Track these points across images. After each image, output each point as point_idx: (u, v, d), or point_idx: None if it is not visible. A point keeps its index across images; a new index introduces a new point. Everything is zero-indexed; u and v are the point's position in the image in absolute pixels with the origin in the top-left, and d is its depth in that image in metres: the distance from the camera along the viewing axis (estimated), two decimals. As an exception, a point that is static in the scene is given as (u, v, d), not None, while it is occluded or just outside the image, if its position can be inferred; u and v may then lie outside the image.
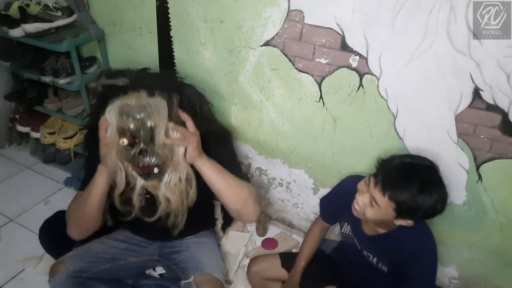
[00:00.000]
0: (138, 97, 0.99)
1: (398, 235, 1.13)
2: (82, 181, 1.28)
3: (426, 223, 1.16)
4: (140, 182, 1.09)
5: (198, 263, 1.30)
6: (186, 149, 1.07)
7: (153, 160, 1.00)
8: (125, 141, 0.94)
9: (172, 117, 1.05)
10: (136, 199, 1.13)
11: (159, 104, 0.99)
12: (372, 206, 1.04)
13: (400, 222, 1.06)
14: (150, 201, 1.16)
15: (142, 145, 0.97)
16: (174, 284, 1.32)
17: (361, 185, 1.10)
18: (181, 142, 1.05)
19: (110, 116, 0.98)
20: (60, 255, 1.28)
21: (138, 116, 0.95)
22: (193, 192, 1.15)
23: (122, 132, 0.96)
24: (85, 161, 1.39)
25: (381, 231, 1.17)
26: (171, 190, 1.10)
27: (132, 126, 0.94)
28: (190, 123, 1.08)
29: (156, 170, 1.02)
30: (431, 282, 1.12)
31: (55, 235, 1.41)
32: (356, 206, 1.10)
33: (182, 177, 1.09)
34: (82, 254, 1.30)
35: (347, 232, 1.31)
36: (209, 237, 1.50)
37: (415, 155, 1.16)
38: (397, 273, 1.15)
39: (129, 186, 1.12)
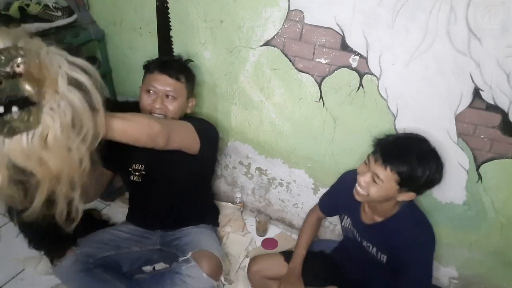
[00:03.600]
0: None
1: (395, 223, 1.16)
2: None
3: (423, 213, 1.19)
4: None
5: (197, 244, 1.34)
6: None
7: (9, 93, 0.60)
8: None
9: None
10: None
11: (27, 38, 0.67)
12: (375, 183, 1.07)
13: (403, 196, 1.09)
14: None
15: None
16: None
17: (361, 168, 1.14)
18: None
19: None
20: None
21: None
22: (84, 147, 0.66)
23: None
24: None
25: (379, 219, 1.20)
26: (44, 145, 0.63)
27: None
28: None
29: (15, 109, 0.60)
30: (427, 271, 1.13)
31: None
32: (358, 189, 1.13)
33: (64, 120, 0.63)
34: (88, 239, 1.36)
35: (347, 226, 1.33)
36: (209, 229, 1.52)
37: (408, 132, 1.20)
38: (395, 263, 1.16)
39: None
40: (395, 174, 1.03)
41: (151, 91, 1.28)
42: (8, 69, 0.62)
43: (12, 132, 0.61)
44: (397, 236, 1.14)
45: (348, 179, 1.21)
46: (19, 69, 0.62)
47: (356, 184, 1.14)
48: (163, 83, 1.28)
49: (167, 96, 1.29)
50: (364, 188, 1.10)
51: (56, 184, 0.67)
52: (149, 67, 1.33)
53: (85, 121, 0.67)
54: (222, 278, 1.33)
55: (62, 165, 0.66)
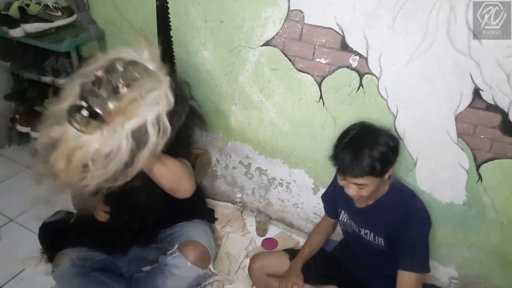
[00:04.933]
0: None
1: (388, 199, 1.19)
2: None
3: (408, 187, 1.24)
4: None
5: (184, 236, 1.36)
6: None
7: (95, 101, 0.78)
8: (99, 71, 0.81)
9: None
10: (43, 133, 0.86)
11: (163, 70, 0.89)
12: (362, 188, 1.11)
13: (387, 175, 1.13)
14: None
15: (104, 78, 0.80)
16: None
17: (341, 182, 1.16)
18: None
19: (107, 55, 0.88)
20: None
21: (132, 60, 0.84)
22: (92, 176, 0.81)
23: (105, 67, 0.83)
24: None
25: (371, 201, 1.22)
26: (72, 152, 0.80)
27: (118, 64, 0.82)
28: None
29: (85, 112, 0.78)
30: (425, 236, 1.15)
31: (55, 235, 1.42)
32: (353, 197, 1.17)
33: (102, 149, 0.80)
34: (83, 243, 1.33)
35: (345, 220, 1.34)
36: (202, 223, 1.52)
37: (344, 130, 1.18)
38: (392, 242, 1.18)
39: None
40: (368, 175, 1.07)
41: None
42: (117, 82, 0.80)
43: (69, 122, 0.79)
44: (392, 210, 1.18)
45: None
46: (122, 90, 0.79)
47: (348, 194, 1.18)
48: None
49: None
50: (356, 195, 1.14)
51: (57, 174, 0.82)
52: None
53: (113, 164, 0.80)
54: (211, 267, 1.34)
55: (68, 171, 0.80)
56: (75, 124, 0.79)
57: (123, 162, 0.81)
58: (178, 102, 0.89)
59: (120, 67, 0.81)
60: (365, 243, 1.27)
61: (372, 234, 1.24)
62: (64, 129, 0.80)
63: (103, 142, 0.79)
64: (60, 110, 0.83)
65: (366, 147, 1.06)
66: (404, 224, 1.14)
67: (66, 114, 0.80)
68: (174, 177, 1.06)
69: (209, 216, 1.66)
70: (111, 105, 0.78)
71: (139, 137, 0.82)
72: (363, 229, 1.27)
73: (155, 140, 0.83)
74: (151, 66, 0.87)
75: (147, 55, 0.88)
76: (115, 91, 0.79)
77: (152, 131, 0.82)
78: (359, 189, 1.11)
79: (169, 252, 1.29)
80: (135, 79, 0.80)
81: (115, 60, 0.82)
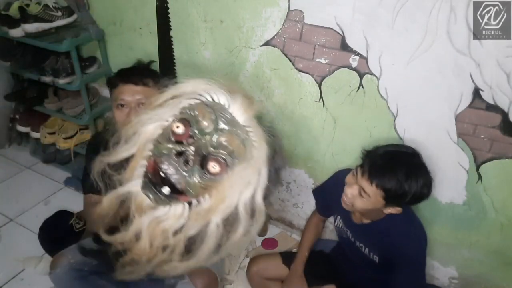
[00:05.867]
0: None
1: (386, 222, 1.15)
2: (84, 185, 1.29)
3: (412, 210, 1.18)
4: (132, 183, 0.68)
5: None
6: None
7: (178, 179, 0.63)
8: (180, 127, 0.63)
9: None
10: (109, 197, 0.70)
11: (259, 130, 0.65)
12: (362, 196, 1.05)
13: (389, 210, 1.08)
14: (122, 216, 0.72)
15: (191, 150, 0.63)
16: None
17: (349, 178, 1.11)
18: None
19: (186, 87, 0.67)
20: None
21: (221, 116, 0.64)
22: (174, 263, 0.68)
23: (183, 118, 0.65)
24: (87, 163, 1.38)
25: (366, 221, 1.19)
26: (152, 230, 0.67)
27: (205, 122, 0.63)
28: None
29: (166, 190, 0.63)
30: (421, 267, 1.12)
31: (54, 235, 1.42)
32: (345, 198, 1.11)
33: (185, 232, 0.67)
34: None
35: (340, 226, 1.33)
36: None
37: (398, 144, 1.17)
38: (387, 262, 1.16)
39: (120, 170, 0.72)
40: (381, 190, 1.01)
41: (122, 105, 1.19)
42: (206, 153, 0.62)
43: (147, 190, 0.64)
44: (388, 234, 1.14)
45: (340, 179, 1.19)
46: (212, 169, 0.62)
47: (343, 194, 1.12)
48: (132, 93, 1.18)
49: (140, 105, 1.19)
50: (349, 199, 1.09)
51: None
52: (112, 82, 1.24)
53: (200, 254, 0.66)
54: None
55: (147, 249, 0.67)
56: (152, 198, 0.64)
57: (210, 252, 0.67)
58: (271, 173, 0.70)
59: (207, 127, 0.63)
60: (360, 252, 1.26)
61: (367, 249, 1.23)
62: (135, 191, 0.66)
63: (188, 225, 0.66)
64: (120, 157, 0.68)
65: (405, 171, 1.00)
66: (399, 252, 1.10)
67: (141, 185, 0.65)
68: None
69: None
70: (198, 186, 0.63)
71: (229, 223, 0.67)
72: (358, 242, 1.26)
73: (248, 224, 0.67)
74: (243, 121, 0.65)
75: (240, 106, 0.65)
76: (203, 167, 0.63)
77: (244, 215, 0.65)
78: (358, 194, 1.06)
79: None
80: (228, 152, 0.63)
81: (203, 111, 0.63)
